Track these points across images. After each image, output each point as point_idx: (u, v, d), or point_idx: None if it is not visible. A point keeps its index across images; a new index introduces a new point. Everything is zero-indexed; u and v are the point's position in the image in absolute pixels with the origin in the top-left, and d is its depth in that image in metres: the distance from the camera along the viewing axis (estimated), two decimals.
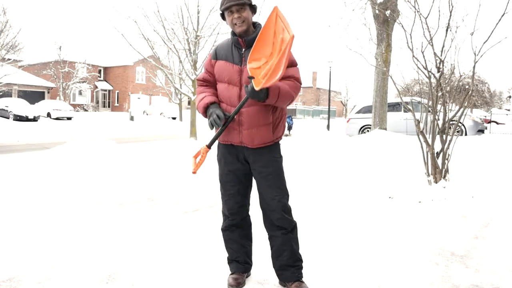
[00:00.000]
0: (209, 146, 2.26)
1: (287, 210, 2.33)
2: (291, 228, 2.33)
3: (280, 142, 2.40)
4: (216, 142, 2.40)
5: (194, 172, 2.23)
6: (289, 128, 18.83)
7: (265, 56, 2.13)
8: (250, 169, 2.35)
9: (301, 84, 2.30)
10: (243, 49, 2.25)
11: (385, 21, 11.25)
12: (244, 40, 2.24)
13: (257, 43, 2.15)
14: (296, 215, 2.42)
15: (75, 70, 35.61)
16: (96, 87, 40.80)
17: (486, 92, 34.10)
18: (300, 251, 2.40)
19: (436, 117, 5.17)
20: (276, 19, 2.10)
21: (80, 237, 3.31)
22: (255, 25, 2.29)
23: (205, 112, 2.28)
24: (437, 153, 5.08)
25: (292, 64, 2.25)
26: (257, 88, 2.00)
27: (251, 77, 2.06)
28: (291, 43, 1.94)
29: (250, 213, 2.50)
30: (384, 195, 4.89)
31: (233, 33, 2.28)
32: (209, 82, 2.39)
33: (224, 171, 2.38)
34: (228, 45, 2.32)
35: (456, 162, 6.14)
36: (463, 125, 12.12)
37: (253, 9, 2.25)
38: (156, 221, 3.80)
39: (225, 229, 2.48)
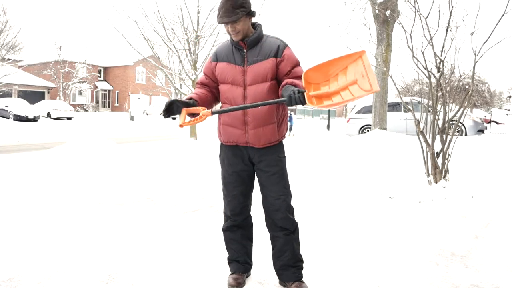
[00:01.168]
0: (213, 113, 2.17)
1: (291, 210, 2.34)
2: (293, 228, 2.34)
3: (283, 141, 2.41)
4: (219, 142, 2.41)
5: (181, 126, 2.16)
6: (290, 128, 18.78)
7: (324, 78, 2.14)
8: (254, 170, 2.36)
9: None
10: (245, 50, 2.26)
11: (385, 21, 11.26)
12: (246, 41, 2.24)
13: (327, 64, 2.13)
14: (296, 215, 2.42)
15: (75, 70, 35.63)
16: (96, 87, 40.79)
17: (486, 92, 34.05)
18: (301, 251, 2.40)
19: (436, 117, 5.17)
20: (357, 60, 2.11)
21: (80, 237, 3.31)
22: (255, 26, 2.29)
23: None
24: (437, 153, 5.08)
25: (296, 64, 2.27)
26: (309, 105, 2.07)
27: (302, 90, 2.04)
28: (366, 94, 2.03)
29: (251, 213, 2.51)
30: (384, 195, 4.89)
31: None
32: (206, 85, 2.41)
33: (228, 172, 2.38)
34: (228, 46, 2.32)
35: (456, 162, 6.14)
36: (463, 125, 12.12)
37: (251, 15, 2.20)
38: (156, 221, 3.80)
39: (226, 230, 2.49)
